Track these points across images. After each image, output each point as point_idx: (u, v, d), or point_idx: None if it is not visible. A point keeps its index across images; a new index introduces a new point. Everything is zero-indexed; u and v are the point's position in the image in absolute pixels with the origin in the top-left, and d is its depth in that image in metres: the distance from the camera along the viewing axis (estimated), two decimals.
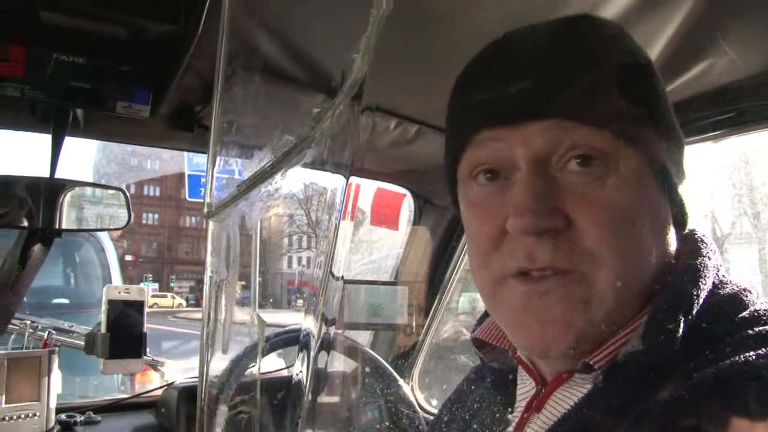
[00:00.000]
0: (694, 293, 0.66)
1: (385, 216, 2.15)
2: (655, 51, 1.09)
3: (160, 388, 2.05)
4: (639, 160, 0.68)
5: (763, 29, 1.01)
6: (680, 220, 0.76)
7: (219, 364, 0.76)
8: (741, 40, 1.05)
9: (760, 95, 1.15)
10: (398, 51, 1.16)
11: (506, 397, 0.84)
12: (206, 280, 0.67)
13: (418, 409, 1.93)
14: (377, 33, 0.46)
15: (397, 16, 0.97)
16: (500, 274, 0.71)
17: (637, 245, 0.68)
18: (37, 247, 1.46)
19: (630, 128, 0.68)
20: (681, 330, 0.63)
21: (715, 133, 1.29)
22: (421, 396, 2.22)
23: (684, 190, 0.76)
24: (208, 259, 0.65)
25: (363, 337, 2.27)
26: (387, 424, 1.96)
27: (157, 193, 45.85)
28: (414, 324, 2.21)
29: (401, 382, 1.94)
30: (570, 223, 0.66)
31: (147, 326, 1.80)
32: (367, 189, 2.12)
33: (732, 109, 1.21)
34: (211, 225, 0.65)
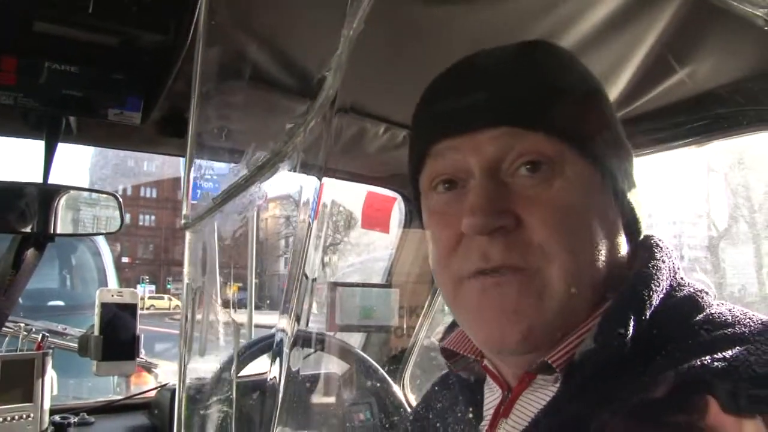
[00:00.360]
0: (646, 295, 0.69)
1: (376, 219, 2.17)
2: (638, 57, 1.12)
3: (154, 389, 2.07)
4: (585, 165, 0.73)
5: (744, 35, 1.03)
6: (632, 226, 0.79)
7: (198, 367, 0.78)
8: (722, 46, 1.07)
9: (741, 101, 1.17)
10: (387, 59, 1.19)
11: (474, 406, 0.87)
12: (184, 288, 0.69)
13: (409, 410, 1.95)
14: (348, 52, 0.48)
15: (385, 26, 1.00)
16: (458, 276, 0.74)
17: (586, 243, 0.71)
18: (30, 252, 1.48)
19: (575, 136, 0.72)
20: (631, 330, 0.66)
21: (698, 137, 1.31)
22: (412, 397, 2.24)
23: (635, 197, 0.79)
24: (186, 268, 0.68)
25: (354, 339, 2.29)
26: (378, 424, 1.98)
27: (154, 195, 45.80)
28: (405, 326, 2.24)
29: (392, 383, 1.97)
30: (520, 222, 0.70)
31: (143, 328, 1.82)
32: (358, 193, 2.15)
33: (714, 115, 1.24)
34: (188, 235, 0.68)
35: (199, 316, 0.72)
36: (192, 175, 0.69)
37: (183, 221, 0.67)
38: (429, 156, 0.79)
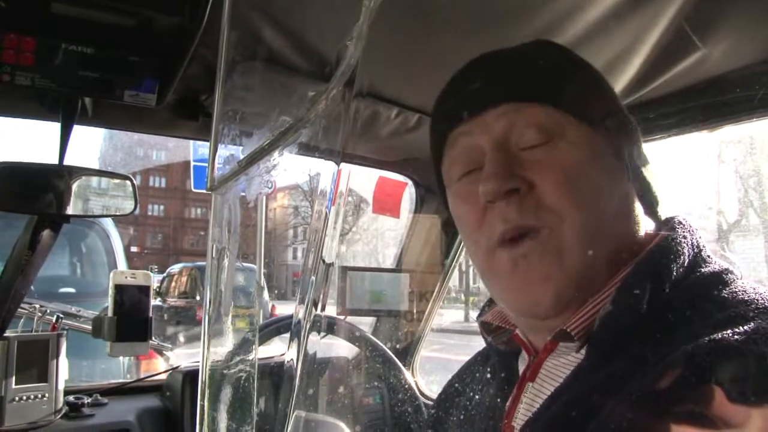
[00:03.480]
0: (665, 263, 0.72)
1: (387, 204, 2.19)
2: (650, 40, 1.12)
3: (165, 372, 2.09)
4: (585, 129, 0.79)
5: (759, 18, 1.03)
6: (649, 198, 0.84)
7: (221, 332, 0.79)
8: (736, 30, 1.07)
9: (754, 85, 1.17)
10: (400, 42, 1.20)
11: (510, 375, 0.92)
12: (209, 247, 0.71)
13: (419, 395, 1.97)
14: (369, 22, 0.49)
15: (400, 10, 1.01)
16: (487, 246, 0.80)
17: (595, 200, 0.77)
18: (46, 232, 1.49)
19: (570, 103, 0.79)
20: (648, 294, 0.69)
21: (709, 121, 1.31)
22: (422, 381, 2.25)
23: (648, 171, 0.85)
24: (211, 229, 0.70)
25: (365, 323, 2.31)
26: (388, 408, 2.00)
27: (163, 185, 46.04)
28: (415, 311, 2.25)
29: (402, 367, 1.98)
30: (532, 185, 0.76)
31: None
32: (370, 177, 2.16)
33: (726, 99, 1.24)
34: (214, 198, 0.70)
35: (223, 277, 0.74)
36: (218, 142, 0.71)
37: (209, 184, 0.69)
38: (446, 146, 0.88)
